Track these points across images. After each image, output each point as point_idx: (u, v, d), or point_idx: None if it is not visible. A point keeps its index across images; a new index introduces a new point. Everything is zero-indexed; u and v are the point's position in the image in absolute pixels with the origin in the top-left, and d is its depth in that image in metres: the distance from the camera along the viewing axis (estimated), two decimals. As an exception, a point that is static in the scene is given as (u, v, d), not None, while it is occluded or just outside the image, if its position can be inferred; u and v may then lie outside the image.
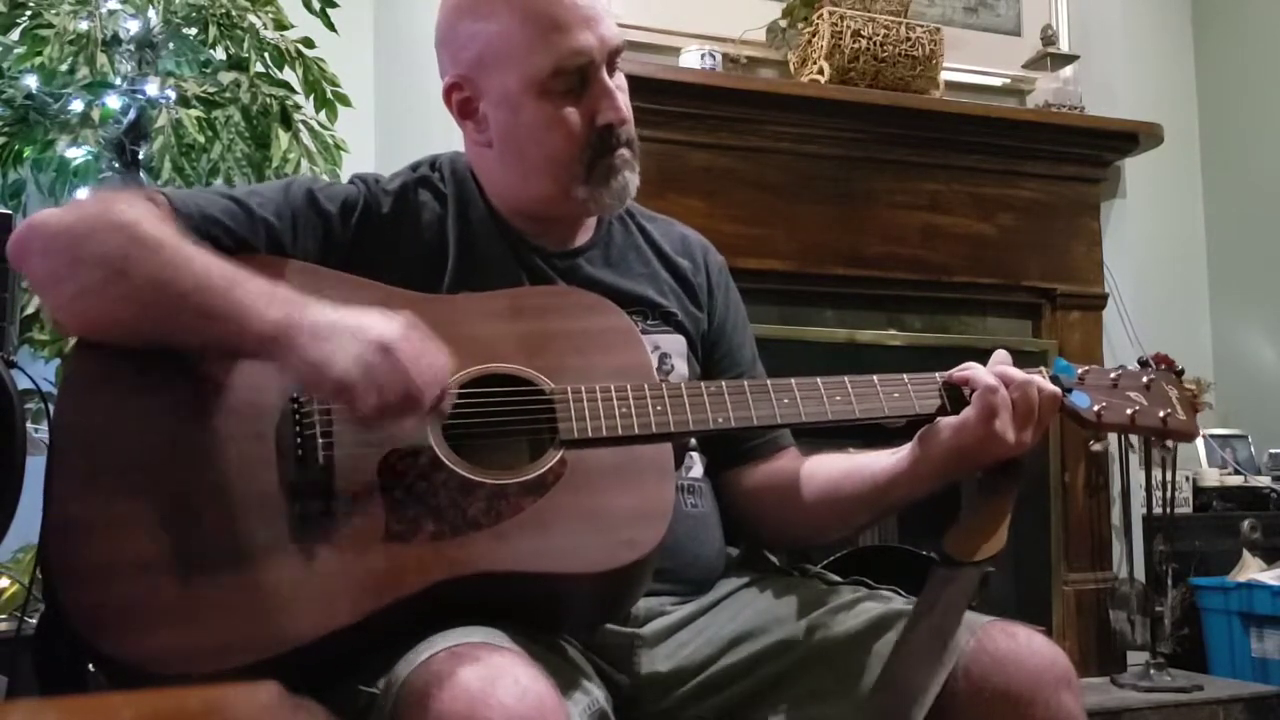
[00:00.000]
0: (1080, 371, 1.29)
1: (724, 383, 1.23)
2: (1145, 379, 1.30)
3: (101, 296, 1.09)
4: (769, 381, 1.24)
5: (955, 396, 1.21)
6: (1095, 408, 1.26)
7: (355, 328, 1.07)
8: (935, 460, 1.20)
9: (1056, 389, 1.22)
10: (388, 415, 1.07)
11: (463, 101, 1.31)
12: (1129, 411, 1.27)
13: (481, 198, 1.34)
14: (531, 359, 1.19)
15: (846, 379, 1.23)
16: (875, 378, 1.23)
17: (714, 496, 1.36)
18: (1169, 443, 2.73)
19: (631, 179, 1.31)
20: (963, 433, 1.17)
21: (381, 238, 1.28)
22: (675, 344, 1.35)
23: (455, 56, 1.31)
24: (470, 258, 1.29)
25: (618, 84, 1.30)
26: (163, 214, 1.16)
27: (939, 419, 1.20)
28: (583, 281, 1.32)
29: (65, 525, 1.04)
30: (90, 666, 1.07)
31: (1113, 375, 1.30)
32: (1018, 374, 1.19)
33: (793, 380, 1.23)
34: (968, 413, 1.17)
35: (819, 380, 1.22)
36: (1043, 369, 1.25)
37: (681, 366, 1.34)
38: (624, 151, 1.29)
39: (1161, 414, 1.28)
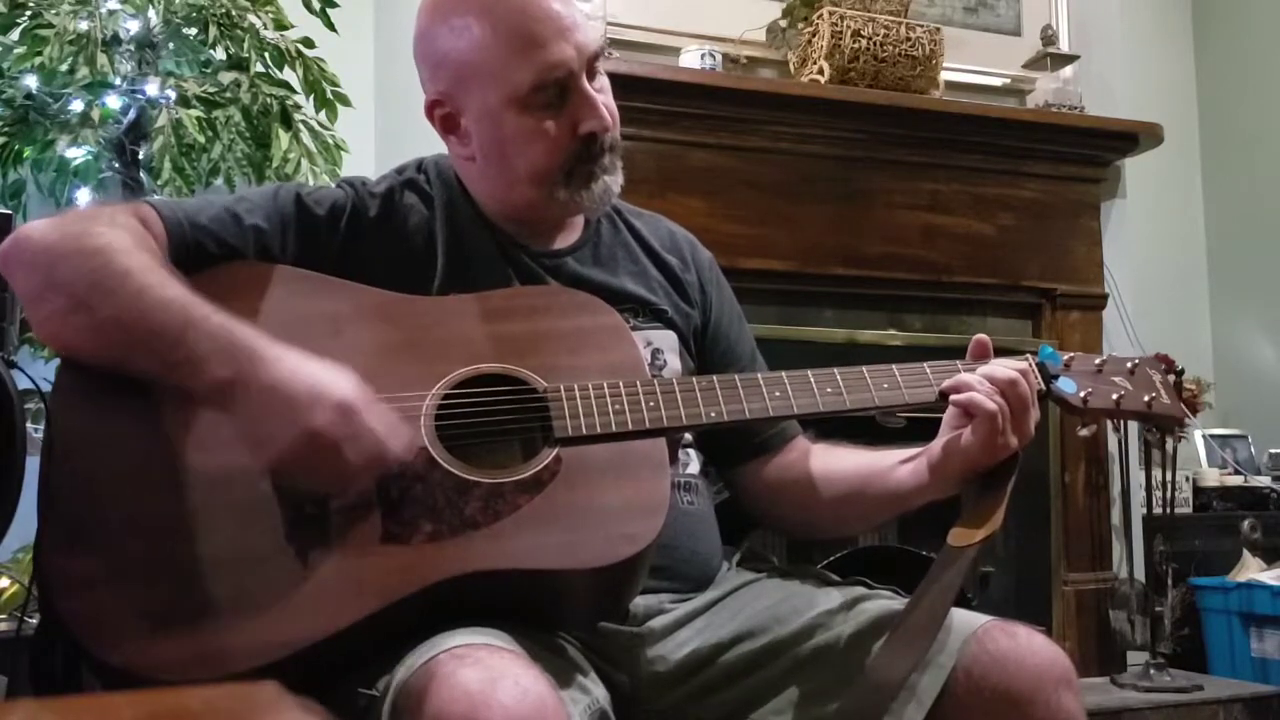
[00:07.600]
0: (1066, 358, 1.32)
1: (715, 377, 1.24)
2: (1130, 365, 1.32)
3: (67, 324, 1.10)
4: (760, 375, 1.25)
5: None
6: (1081, 393, 1.29)
7: (295, 400, 1.04)
8: (952, 476, 1.24)
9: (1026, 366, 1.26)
10: (321, 492, 1.08)
11: (445, 117, 1.32)
12: (1114, 396, 1.30)
13: (468, 200, 1.34)
14: (523, 359, 1.19)
15: (836, 371, 1.25)
16: (864, 369, 1.26)
17: (710, 495, 1.36)
18: (1168, 442, 2.73)
19: (612, 182, 1.31)
20: (972, 452, 1.21)
21: (370, 241, 1.28)
22: (667, 339, 1.35)
23: (434, 74, 1.31)
24: (459, 259, 1.29)
25: (599, 86, 1.29)
26: (146, 230, 1.16)
27: (949, 443, 1.23)
28: (572, 280, 1.32)
29: (60, 532, 1.04)
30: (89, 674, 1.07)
31: (1098, 362, 1.33)
32: (1004, 374, 1.22)
33: (783, 373, 1.24)
34: (972, 440, 1.21)
35: (809, 372, 1.24)
36: (1029, 355, 1.28)
37: (674, 362, 1.34)
38: (605, 160, 1.30)
39: (1146, 398, 1.30)
